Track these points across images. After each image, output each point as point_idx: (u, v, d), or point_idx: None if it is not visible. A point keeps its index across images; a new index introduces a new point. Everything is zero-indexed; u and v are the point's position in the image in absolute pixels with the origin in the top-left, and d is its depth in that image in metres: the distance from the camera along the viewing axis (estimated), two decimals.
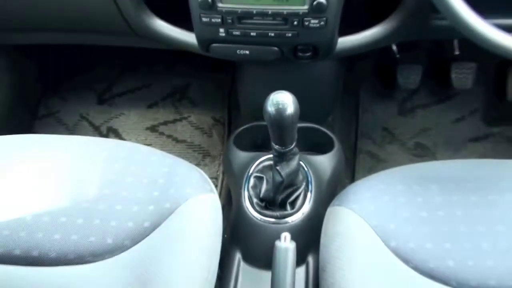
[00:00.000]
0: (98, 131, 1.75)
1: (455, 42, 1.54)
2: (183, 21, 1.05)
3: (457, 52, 1.54)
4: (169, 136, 1.74)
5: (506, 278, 0.81)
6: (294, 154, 0.98)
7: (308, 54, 1.04)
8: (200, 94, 1.80)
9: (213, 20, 0.99)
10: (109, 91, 1.83)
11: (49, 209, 0.90)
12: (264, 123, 0.91)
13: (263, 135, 1.05)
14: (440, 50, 1.64)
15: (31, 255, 0.86)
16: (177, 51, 1.19)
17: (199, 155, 1.68)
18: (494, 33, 0.79)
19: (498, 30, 0.79)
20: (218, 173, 1.63)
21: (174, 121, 1.77)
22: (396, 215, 0.87)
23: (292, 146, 0.94)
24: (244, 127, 1.29)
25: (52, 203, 0.91)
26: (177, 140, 1.73)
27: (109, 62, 1.86)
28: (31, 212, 0.89)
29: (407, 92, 1.73)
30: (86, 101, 1.81)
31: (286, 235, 0.84)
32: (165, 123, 1.76)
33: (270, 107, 0.84)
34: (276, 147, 0.94)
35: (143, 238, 0.88)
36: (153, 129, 1.75)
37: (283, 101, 0.84)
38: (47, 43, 1.34)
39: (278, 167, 0.99)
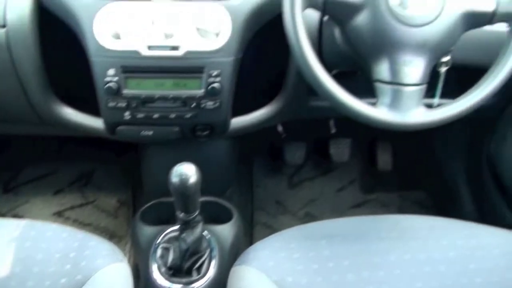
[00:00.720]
0: None
1: (331, 122, 1.66)
2: (90, 107, 1.07)
3: (333, 130, 1.66)
4: (75, 221, 1.69)
5: None
6: (198, 222, 1.00)
7: (205, 133, 1.09)
8: (105, 178, 1.78)
9: (118, 104, 1.02)
10: (14, 180, 1.76)
11: None
12: (168, 199, 0.93)
13: (168, 211, 1.07)
14: (320, 128, 1.75)
15: None
16: (83, 137, 1.20)
17: (105, 236, 1.64)
18: (366, 108, 0.88)
19: (370, 106, 0.88)
20: (125, 252, 1.60)
21: (81, 205, 1.73)
22: (293, 269, 0.91)
23: (196, 214, 0.96)
24: (150, 203, 1.30)
25: None
26: (83, 224, 1.68)
27: (15, 151, 1.80)
28: None
29: (295, 167, 1.82)
30: None
31: None
32: (72, 208, 1.72)
33: (174, 178, 0.87)
34: (181, 215, 0.96)
35: None
36: (59, 214, 1.70)
37: (186, 171, 0.87)
38: None
39: (183, 235, 1.00)
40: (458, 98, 0.90)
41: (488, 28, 0.93)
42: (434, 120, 0.89)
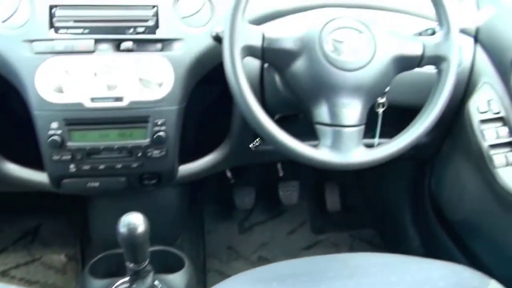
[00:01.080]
0: None
1: (279, 165, 1.69)
2: (33, 161, 1.05)
3: (281, 174, 1.69)
4: (21, 279, 1.62)
5: None
6: (148, 271, 0.98)
7: (153, 181, 1.09)
8: (52, 234, 1.73)
9: (63, 157, 1.01)
10: None
11: None
12: (118, 251, 0.92)
13: (118, 262, 1.05)
14: (268, 172, 1.78)
15: None
16: (28, 193, 1.17)
17: None
18: (308, 150, 0.90)
19: (312, 148, 0.91)
20: None
21: (26, 263, 1.66)
22: None
23: (146, 263, 0.95)
24: (99, 256, 1.27)
25: None
26: (30, 282, 1.62)
27: None
28: None
29: (245, 211, 1.83)
30: None
31: None
32: (17, 266, 1.65)
33: (122, 228, 0.86)
34: (131, 265, 0.94)
35: None
36: (4, 274, 1.63)
37: (134, 221, 0.86)
38: None
39: (134, 286, 0.98)
40: (394, 138, 0.94)
41: (420, 70, 0.98)
42: (374, 159, 0.92)
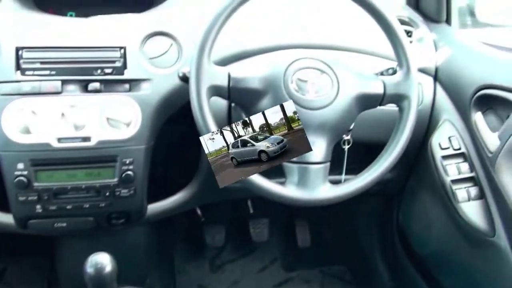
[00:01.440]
0: None
1: (249, 202, 1.69)
2: None
3: (251, 211, 1.69)
4: None
5: None
6: None
7: (121, 221, 1.09)
8: (18, 277, 1.68)
9: (29, 198, 1.00)
10: None
11: None
12: None
13: None
14: (238, 209, 1.78)
15: None
16: None
17: None
18: (275, 187, 0.91)
19: (279, 185, 0.92)
20: None
21: None
22: None
23: None
24: None
25: None
26: None
27: None
28: None
29: (216, 249, 1.81)
30: None
31: None
32: None
33: (89, 268, 0.85)
34: None
35: None
36: None
37: (101, 261, 0.86)
38: None
39: None
40: (359, 174, 0.96)
41: (383, 107, 1.01)
42: (340, 195, 0.93)
